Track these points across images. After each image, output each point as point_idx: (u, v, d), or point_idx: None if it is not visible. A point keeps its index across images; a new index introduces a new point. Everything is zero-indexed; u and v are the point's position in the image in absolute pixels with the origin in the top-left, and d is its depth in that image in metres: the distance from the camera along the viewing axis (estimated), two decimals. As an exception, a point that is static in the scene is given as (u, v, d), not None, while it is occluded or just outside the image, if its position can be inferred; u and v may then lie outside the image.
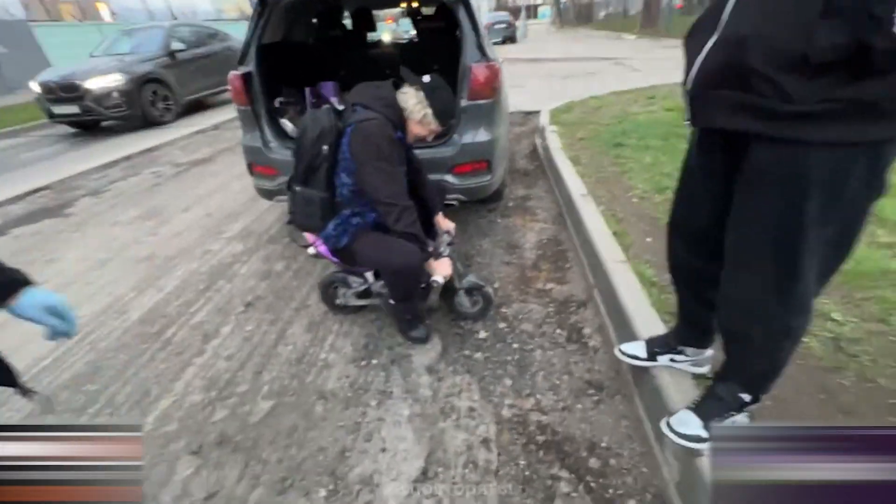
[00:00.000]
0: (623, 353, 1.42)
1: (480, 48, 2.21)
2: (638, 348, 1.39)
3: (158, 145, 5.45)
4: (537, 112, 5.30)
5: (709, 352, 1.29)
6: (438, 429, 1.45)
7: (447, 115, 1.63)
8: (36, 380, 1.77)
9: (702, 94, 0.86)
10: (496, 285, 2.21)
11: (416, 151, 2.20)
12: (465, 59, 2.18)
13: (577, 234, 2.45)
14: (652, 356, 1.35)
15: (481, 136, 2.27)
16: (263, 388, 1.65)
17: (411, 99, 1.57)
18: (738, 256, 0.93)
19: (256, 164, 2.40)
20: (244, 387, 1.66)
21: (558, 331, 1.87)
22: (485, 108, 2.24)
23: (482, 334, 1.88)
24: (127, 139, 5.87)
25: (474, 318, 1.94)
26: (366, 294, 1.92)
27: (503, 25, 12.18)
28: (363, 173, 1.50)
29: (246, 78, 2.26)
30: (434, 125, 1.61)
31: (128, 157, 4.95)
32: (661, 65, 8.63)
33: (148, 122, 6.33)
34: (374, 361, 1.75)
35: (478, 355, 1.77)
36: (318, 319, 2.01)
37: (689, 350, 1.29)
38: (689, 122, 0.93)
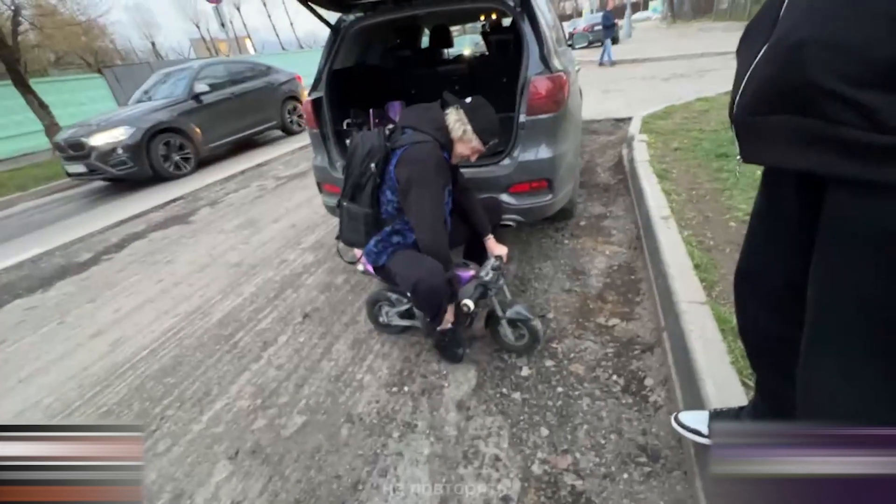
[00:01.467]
0: (680, 425, 1.15)
1: (544, 59, 2.05)
2: (700, 421, 1.12)
3: (158, 206, 4.72)
4: (629, 119, 4.83)
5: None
6: (457, 475, 1.34)
7: (488, 133, 1.59)
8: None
9: (752, 120, 0.64)
10: (550, 315, 2.01)
11: (472, 170, 2.13)
12: (525, 71, 2.05)
13: (653, 262, 2.12)
14: (718, 434, 1.07)
15: (542, 153, 2.10)
16: (300, 403, 1.71)
17: (452, 116, 1.59)
18: (822, 340, 0.67)
19: (324, 182, 2.54)
20: (285, 398, 1.74)
21: (614, 377, 1.62)
22: (546, 124, 2.07)
23: (524, 371, 1.71)
24: (132, 197, 5.31)
25: (519, 352, 1.79)
26: (408, 314, 1.89)
27: (603, 26, 11.43)
28: (406, 196, 1.52)
29: (317, 103, 2.42)
30: (475, 142, 1.59)
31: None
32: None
33: (161, 177, 5.68)
34: (406, 389, 1.70)
35: (515, 395, 1.61)
36: (363, 337, 2.04)
37: (768, 436, 0.99)
38: (739, 158, 0.71)
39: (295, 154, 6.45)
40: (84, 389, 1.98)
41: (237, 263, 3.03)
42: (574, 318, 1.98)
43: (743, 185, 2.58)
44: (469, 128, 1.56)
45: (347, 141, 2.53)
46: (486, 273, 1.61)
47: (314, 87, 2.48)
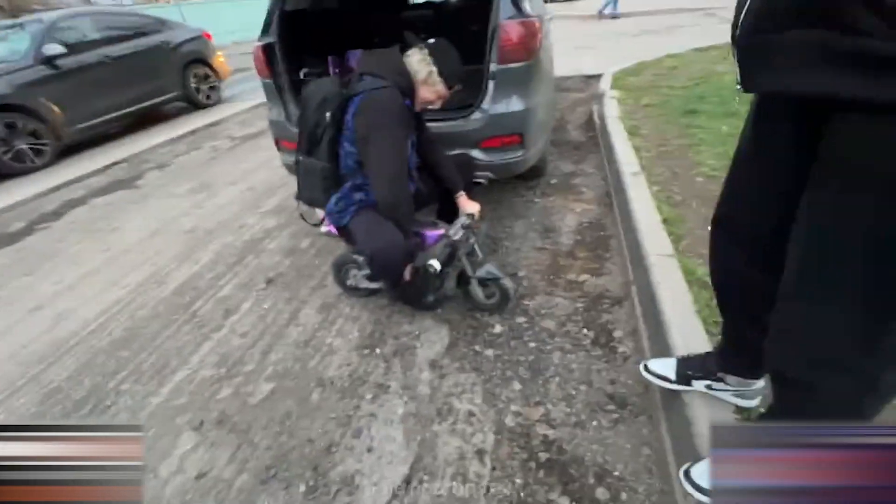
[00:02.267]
0: (649, 372, 1.18)
1: (515, 1, 1.92)
2: (668, 367, 1.15)
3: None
4: (600, 76, 4.74)
5: (759, 383, 1.02)
6: (431, 432, 1.34)
7: (454, 76, 1.49)
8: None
9: (758, 41, 0.59)
10: (522, 273, 2.00)
11: (440, 124, 2.02)
12: (496, 15, 1.91)
13: (623, 218, 2.13)
14: (685, 379, 1.11)
15: (514, 105, 2.01)
16: (268, 370, 1.64)
17: (415, 57, 1.47)
18: (805, 279, 0.65)
19: (282, 138, 2.36)
20: (251, 366, 1.67)
21: (584, 331, 1.65)
22: (518, 73, 1.97)
23: (497, 329, 1.71)
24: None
25: (491, 310, 1.78)
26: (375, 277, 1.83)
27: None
28: (367, 146, 1.42)
29: (268, 49, 2.19)
30: (440, 87, 1.50)
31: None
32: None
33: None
34: (378, 351, 1.66)
35: (488, 352, 1.61)
36: (332, 301, 1.97)
37: (731, 379, 1.03)
38: (740, 87, 0.66)
39: (250, 113, 6.00)
40: (26, 367, 1.83)
41: (191, 229, 2.83)
42: (545, 276, 1.98)
43: (710, 142, 2.60)
44: (434, 69, 1.46)
45: (305, 92, 2.34)
46: (456, 232, 1.55)
47: (264, 31, 2.24)
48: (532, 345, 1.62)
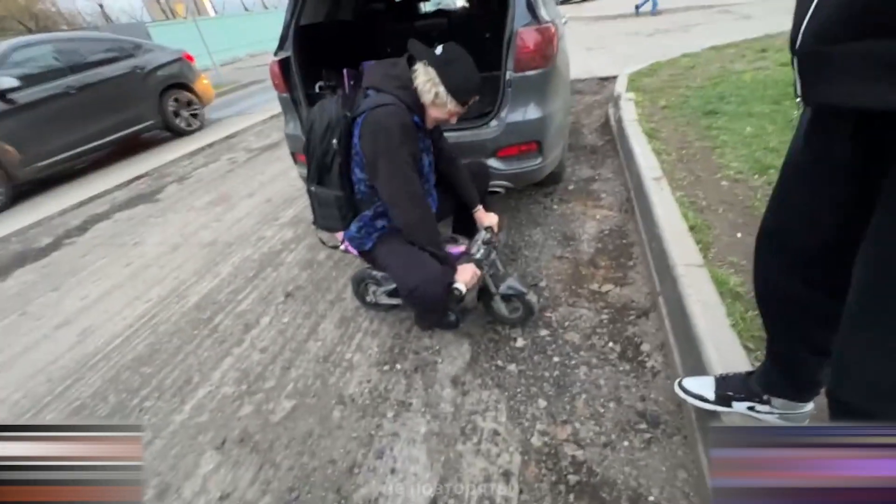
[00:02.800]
0: (684, 390, 1.12)
1: (531, 8, 1.89)
2: (705, 386, 1.09)
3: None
4: (615, 77, 4.68)
5: (808, 407, 0.96)
6: (455, 452, 1.30)
7: (464, 91, 1.34)
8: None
9: (818, 50, 0.54)
10: (543, 284, 1.96)
11: (454, 134, 2.00)
12: (511, 23, 1.88)
13: (646, 225, 2.07)
14: (724, 400, 1.05)
15: (531, 113, 1.98)
16: (288, 386, 1.63)
17: (421, 77, 1.34)
18: (872, 305, 0.60)
19: (299, 152, 2.37)
20: (271, 382, 1.67)
21: (610, 344, 1.59)
22: (535, 80, 1.94)
23: (519, 342, 1.67)
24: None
25: (513, 324, 1.73)
26: (396, 293, 1.80)
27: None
28: (374, 171, 1.35)
29: (284, 63, 2.21)
30: (451, 105, 1.35)
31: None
32: (783, 3, 7.14)
33: None
34: (398, 366, 1.64)
35: (511, 367, 1.57)
36: (350, 315, 1.95)
37: (777, 401, 0.97)
38: (800, 100, 0.61)
39: (266, 124, 6.09)
40: (54, 384, 1.86)
41: (211, 242, 2.86)
42: (567, 286, 1.93)
43: (733, 144, 2.52)
44: (441, 89, 1.32)
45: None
46: (477, 250, 1.51)
47: (280, 46, 2.26)
48: (556, 359, 1.57)
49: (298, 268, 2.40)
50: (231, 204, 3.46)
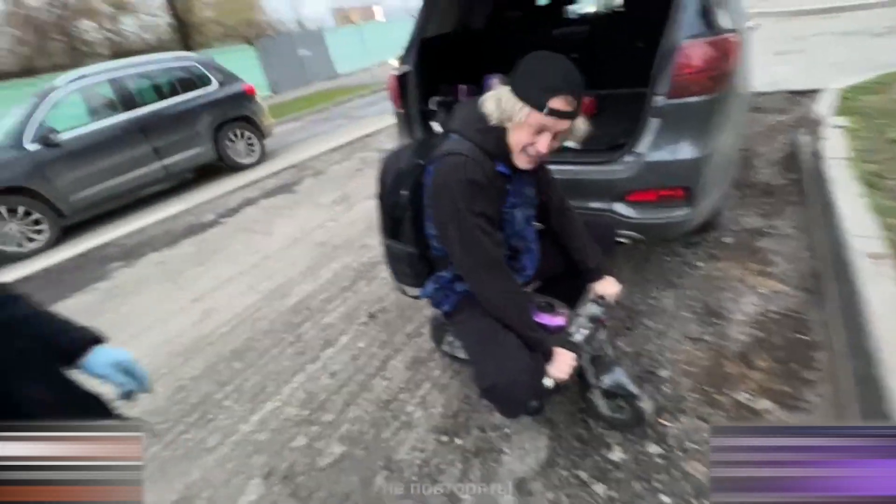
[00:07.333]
0: None
1: (704, 13, 1.42)
2: None
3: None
4: (815, 92, 3.58)
5: None
6: None
7: (543, 89, 0.96)
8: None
9: None
10: (664, 373, 1.50)
11: (570, 167, 1.65)
12: (674, 31, 1.44)
13: (846, 325, 1.42)
14: None
15: (683, 151, 1.51)
16: (343, 427, 1.54)
17: (490, 99, 1.05)
18: None
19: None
20: (330, 416, 1.59)
21: (756, 503, 1.09)
22: (697, 110, 1.46)
23: (616, 454, 1.27)
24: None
25: (612, 424, 1.34)
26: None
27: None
28: (444, 236, 1.12)
29: (402, 79, 2.12)
30: (530, 117, 0.98)
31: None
32: None
33: None
34: (458, 441, 1.40)
35: (598, 489, 1.20)
36: (423, 357, 1.78)
37: None
38: None
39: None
40: (171, 357, 2.11)
41: (322, 243, 3.01)
42: (700, 385, 1.44)
43: None
44: (503, 95, 1.01)
45: (433, 124, 2.21)
46: (578, 328, 1.15)
47: (403, 60, 2.18)
48: (666, 500, 1.14)
49: (388, 286, 2.32)
50: (350, 204, 3.64)
